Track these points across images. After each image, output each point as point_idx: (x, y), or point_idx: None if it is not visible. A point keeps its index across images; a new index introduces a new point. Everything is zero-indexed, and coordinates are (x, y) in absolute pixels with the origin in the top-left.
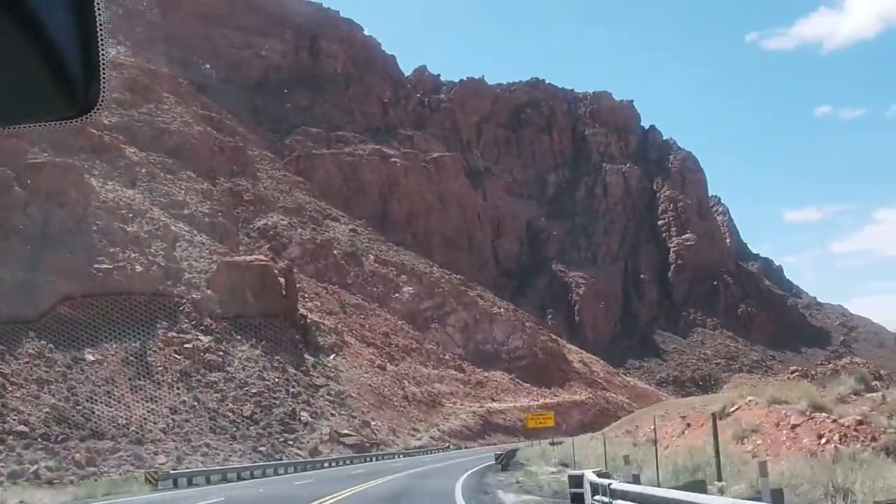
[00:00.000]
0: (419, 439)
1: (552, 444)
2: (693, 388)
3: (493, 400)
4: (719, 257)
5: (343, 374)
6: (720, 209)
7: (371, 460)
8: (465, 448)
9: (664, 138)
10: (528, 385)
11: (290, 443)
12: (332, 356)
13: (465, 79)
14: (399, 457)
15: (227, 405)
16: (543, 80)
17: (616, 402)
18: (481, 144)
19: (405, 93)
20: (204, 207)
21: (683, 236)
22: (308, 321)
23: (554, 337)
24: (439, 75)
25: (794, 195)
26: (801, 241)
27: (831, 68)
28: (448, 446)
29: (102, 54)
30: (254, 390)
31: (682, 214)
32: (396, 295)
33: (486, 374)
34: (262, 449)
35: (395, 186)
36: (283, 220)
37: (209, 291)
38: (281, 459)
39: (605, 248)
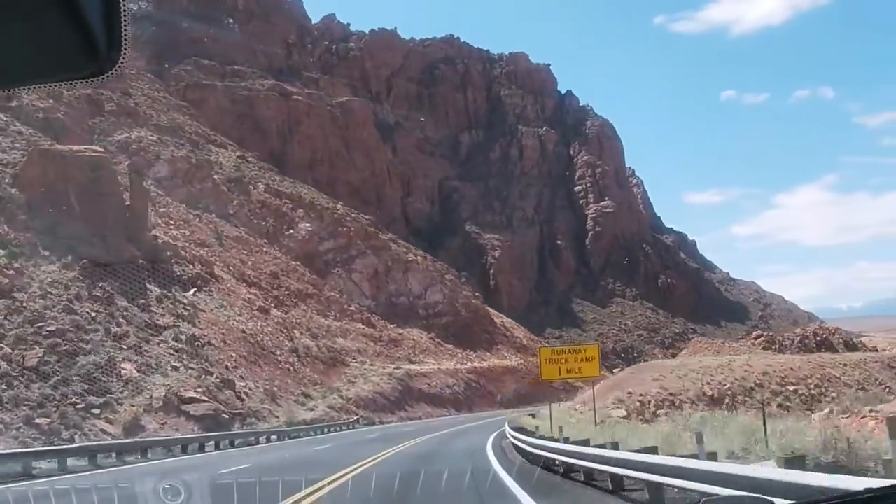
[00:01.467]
0: (312, 409)
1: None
2: (617, 360)
3: (412, 362)
4: (637, 227)
5: (204, 316)
6: (635, 181)
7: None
8: (382, 424)
9: (581, 104)
10: (450, 346)
11: (95, 412)
12: (192, 291)
13: (376, 30)
14: (268, 440)
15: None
16: (458, 38)
17: None
18: (391, 98)
19: (311, 39)
20: (43, 103)
21: (601, 203)
22: (161, 243)
23: (477, 294)
24: (349, 24)
25: (698, 178)
26: (704, 223)
27: (738, 53)
28: (356, 420)
29: (124, 9)
30: (50, 328)
31: (600, 181)
32: (291, 231)
33: (401, 331)
34: (39, 421)
35: (297, 127)
36: (151, 136)
37: (14, 190)
38: (72, 440)
39: (520, 211)
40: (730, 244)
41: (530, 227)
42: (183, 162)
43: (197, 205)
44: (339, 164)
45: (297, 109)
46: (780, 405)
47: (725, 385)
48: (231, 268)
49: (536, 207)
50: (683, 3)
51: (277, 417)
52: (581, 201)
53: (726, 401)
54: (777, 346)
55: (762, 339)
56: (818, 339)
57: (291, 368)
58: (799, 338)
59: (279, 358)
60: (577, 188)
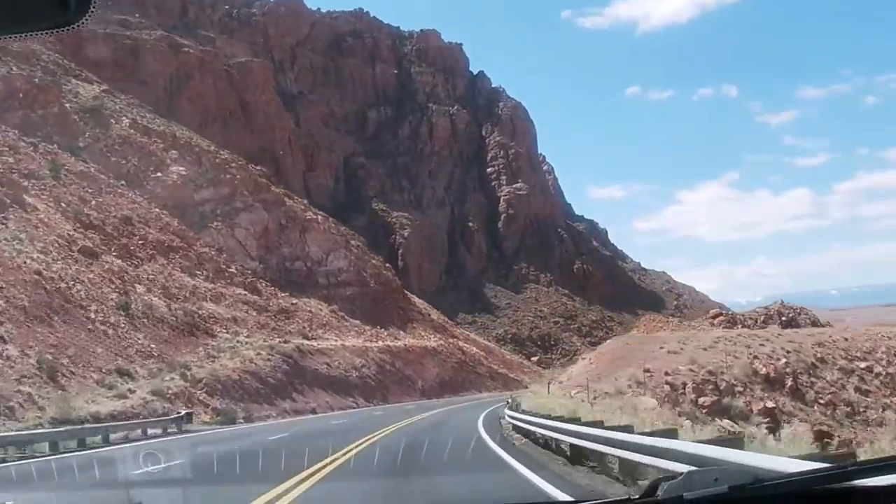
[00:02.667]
0: (123, 396)
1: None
2: (533, 348)
3: (307, 337)
4: (550, 211)
5: None
6: (547, 167)
7: None
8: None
9: (493, 86)
10: (356, 322)
11: None
12: None
13: None
14: None
15: None
16: (367, 13)
17: (472, 354)
18: (296, 69)
19: (211, 1)
20: None
21: (515, 185)
22: None
23: (388, 265)
24: None
25: (601, 173)
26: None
27: (644, 50)
28: (181, 418)
29: None
30: None
31: (514, 163)
32: (159, 174)
33: (295, 300)
34: None
35: (186, 82)
36: None
37: None
38: None
39: (430, 191)
40: (630, 239)
41: (441, 208)
42: (23, 82)
43: (34, 131)
44: (233, 126)
45: (188, 63)
46: (857, 388)
47: (780, 359)
48: (62, 203)
49: (447, 188)
50: None
51: (42, 409)
52: (493, 183)
53: (788, 382)
54: (740, 325)
55: (722, 318)
56: (784, 318)
57: (111, 332)
58: (763, 317)
59: (91, 316)
60: (489, 170)
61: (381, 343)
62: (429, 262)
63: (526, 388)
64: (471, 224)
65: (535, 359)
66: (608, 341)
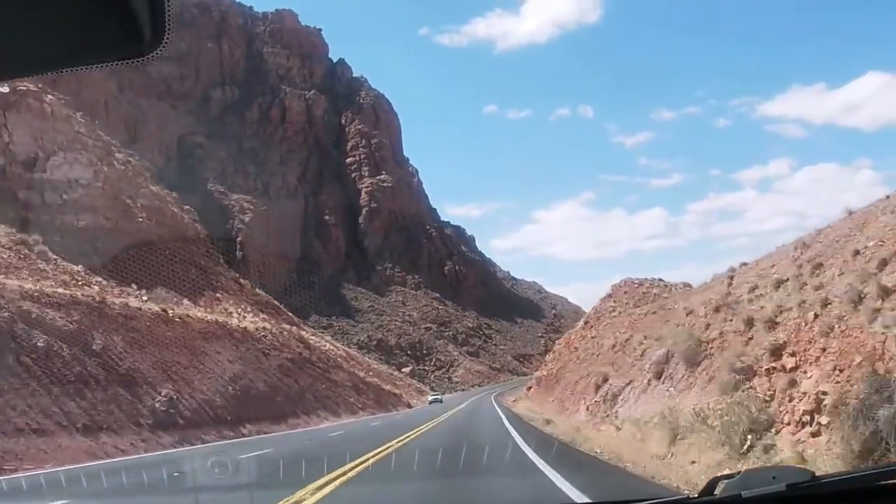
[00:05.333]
0: None
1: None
2: (403, 357)
3: None
4: (417, 209)
5: None
6: (412, 169)
7: None
8: None
9: (355, 75)
10: (77, 268)
11: None
12: None
13: None
14: None
15: None
16: None
17: (325, 351)
18: None
19: None
20: None
21: (378, 177)
22: None
23: (188, 208)
24: None
25: (458, 191)
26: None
27: (502, 69)
28: None
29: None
30: None
31: (376, 153)
32: None
33: None
34: None
35: None
36: None
37: None
38: None
39: (280, 179)
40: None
41: (292, 198)
42: None
43: None
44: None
45: None
46: None
47: None
48: None
49: (301, 177)
50: (448, 17)
51: None
52: (354, 174)
53: None
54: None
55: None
56: None
57: None
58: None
59: None
60: (349, 160)
61: (118, 301)
62: (276, 256)
63: (408, 405)
64: (327, 217)
65: (406, 370)
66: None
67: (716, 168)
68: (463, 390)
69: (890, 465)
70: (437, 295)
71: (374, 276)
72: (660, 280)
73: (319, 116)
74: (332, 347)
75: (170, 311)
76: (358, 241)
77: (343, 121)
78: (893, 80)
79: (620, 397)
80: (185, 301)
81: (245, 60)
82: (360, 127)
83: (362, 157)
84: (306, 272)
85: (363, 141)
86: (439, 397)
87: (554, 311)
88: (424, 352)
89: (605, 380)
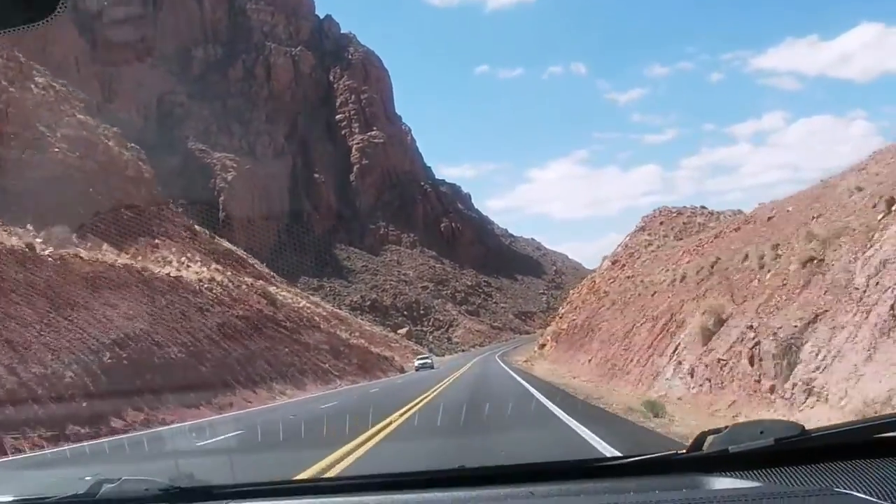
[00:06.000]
0: None
1: None
2: (399, 318)
3: None
4: (411, 166)
5: None
6: (405, 128)
7: None
8: None
9: (343, 31)
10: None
11: None
12: None
13: None
14: None
15: None
16: None
17: (296, 309)
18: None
19: None
20: None
21: (369, 133)
22: None
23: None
24: None
25: (452, 152)
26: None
27: (493, 28)
28: None
29: None
30: None
31: (367, 108)
32: None
33: None
34: None
35: None
36: None
37: None
38: None
39: (266, 137)
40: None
41: (279, 157)
42: None
43: None
44: None
45: None
46: None
47: None
48: None
49: (288, 136)
50: None
51: None
52: (344, 131)
53: None
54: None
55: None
56: None
57: None
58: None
59: None
60: (338, 116)
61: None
62: (264, 218)
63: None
64: (317, 176)
65: (402, 331)
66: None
67: (710, 123)
68: (463, 350)
69: (883, 418)
70: (434, 253)
71: (368, 235)
72: (702, 207)
73: (307, 73)
74: (308, 305)
75: (41, 249)
76: (350, 200)
77: (331, 77)
78: (886, 30)
79: (807, 354)
80: (106, 245)
81: (227, 18)
82: (349, 83)
83: (352, 113)
84: (296, 233)
85: (353, 97)
86: (429, 361)
87: (555, 268)
88: (422, 312)
89: (720, 320)
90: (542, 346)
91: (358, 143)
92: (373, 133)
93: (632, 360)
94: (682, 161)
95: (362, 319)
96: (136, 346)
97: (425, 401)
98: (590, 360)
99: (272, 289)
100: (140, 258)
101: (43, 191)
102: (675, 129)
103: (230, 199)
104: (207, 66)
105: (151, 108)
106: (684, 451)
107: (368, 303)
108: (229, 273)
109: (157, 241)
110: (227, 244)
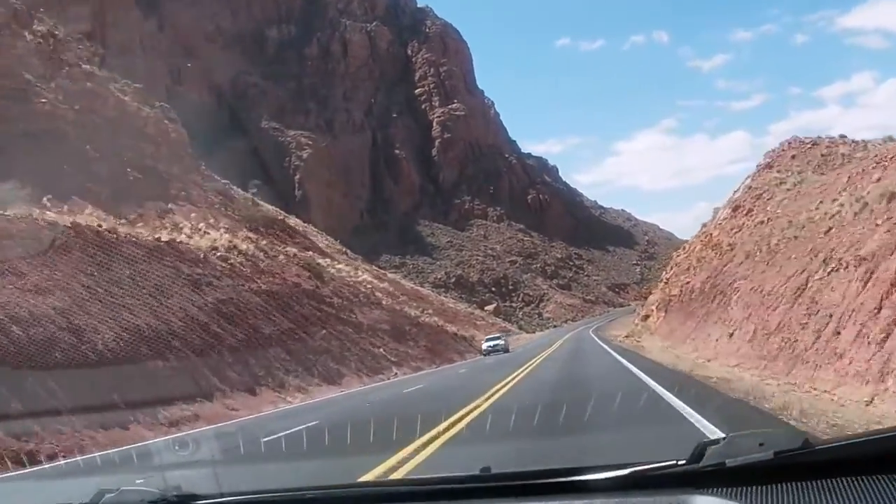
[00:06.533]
0: None
1: None
2: (487, 294)
3: None
4: (494, 139)
5: None
6: (488, 101)
7: None
8: None
9: (419, 5)
10: None
11: None
12: None
13: None
14: None
15: None
16: None
17: (349, 281)
18: None
19: None
20: None
21: (450, 106)
22: None
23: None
24: None
25: (535, 128)
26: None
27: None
28: None
29: None
30: None
31: (447, 81)
32: None
33: None
34: None
35: None
36: None
37: None
38: None
39: (344, 115)
40: None
41: (359, 134)
42: None
43: None
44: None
45: None
46: None
47: None
48: None
49: (367, 112)
50: None
51: None
52: (424, 106)
53: None
54: None
55: None
56: None
57: None
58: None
59: None
60: (417, 91)
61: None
62: (343, 196)
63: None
64: (398, 151)
65: (490, 307)
66: None
67: (796, 86)
68: (555, 326)
69: (892, 430)
70: (522, 226)
71: (452, 210)
72: (841, 137)
73: (384, 49)
74: (371, 280)
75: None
76: (432, 176)
77: (409, 51)
78: None
79: None
80: (91, 209)
81: None
82: (427, 56)
83: (431, 86)
84: (378, 211)
85: (432, 70)
86: (501, 342)
87: (647, 238)
88: (510, 287)
89: None
90: (646, 317)
91: (439, 117)
92: (454, 106)
93: (831, 335)
94: (771, 126)
95: (446, 297)
96: (27, 334)
97: (482, 407)
98: (731, 335)
99: (323, 261)
100: (141, 224)
101: (15, 146)
102: (762, 94)
103: (306, 177)
104: (281, 45)
105: (225, 90)
106: (684, 461)
107: (453, 279)
108: (264, 242)
109: (170, 205)
110: (267, 207)
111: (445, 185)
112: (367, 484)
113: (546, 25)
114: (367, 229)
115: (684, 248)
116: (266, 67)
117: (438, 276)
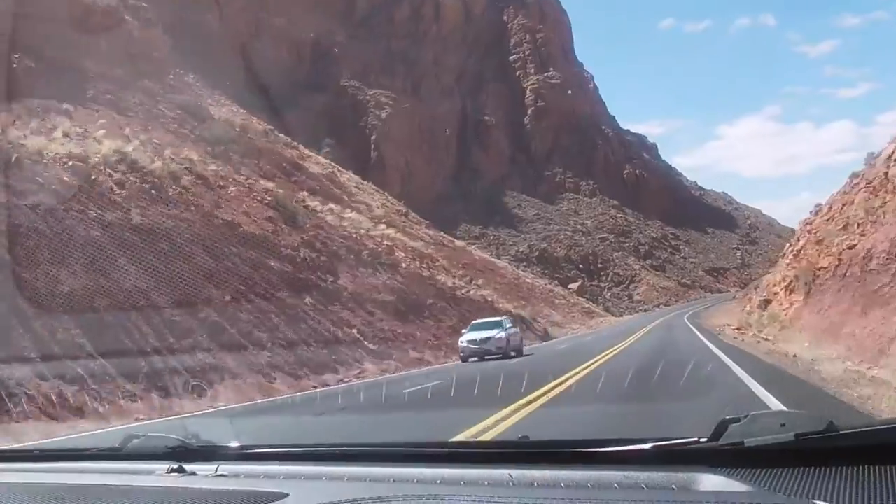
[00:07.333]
0: None
1: None
2: (573, 271)
3: None
4: (591, 111)
5: None
6: (587, 74)
7: None
8: None
9: None
10: None
11: None
12: None
13: None
14: None
15: None
16: None
17: (361, 235)
18: None
19: None
20: None
21: (546, 74)
22: None
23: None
24: None
25: (638, 109)
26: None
27: None
28: None
29: None
30: None
31: (543, 49)
32: None
33: None
34: None
35: None
36: None
37: None
38: None
39: (433, 79)
40: None
41: (447, 99)
42: None
43: None
44: None
45: None
46: None
47: None
48: None
49: (458, 78)
50: None
51: None
52: (518, 73)
53: None
54: None
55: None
56: None
57: None
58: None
59: None
60: (512, 57)
61: None
62: (426, 160)
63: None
64: (487, 118)
65: (574, 285)
66: None
67: None
68: (645, 310)
69: None
70: (616, 202)
71: (543, 182)
72: None
73: (478, 14)
74: (389, 233)
75: None
76: (523, 145)
77: (505, 17)
78: None
79: None
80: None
81: None
82: (524, 22)
83: (527, 54)
84: (463, 180)
85: (527, 36)
86: (496, 335)
87: (749, 222)
88: (599, 265)
89: None
90: (767, 302)
91: (533, 85)
92: (549, 74)
93: None
94: (879, 117)
95: (527, 272)
96: None
97: None
98: None
99: (314, 202)
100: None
101: None
102: (870, 82)
103: (383, 138)
104: (372, 8)
105: (307, 50)
106: (706, 438)
107: (536, 253)
108: (215, 168)
109: (69, 106)
110: (263, 125)
111: (537, 155)
112: (396, 444)
113: (652, 4)
114: (451, 197)
115: (839, 195)
116: (353, 29)
117: (521, 250)
